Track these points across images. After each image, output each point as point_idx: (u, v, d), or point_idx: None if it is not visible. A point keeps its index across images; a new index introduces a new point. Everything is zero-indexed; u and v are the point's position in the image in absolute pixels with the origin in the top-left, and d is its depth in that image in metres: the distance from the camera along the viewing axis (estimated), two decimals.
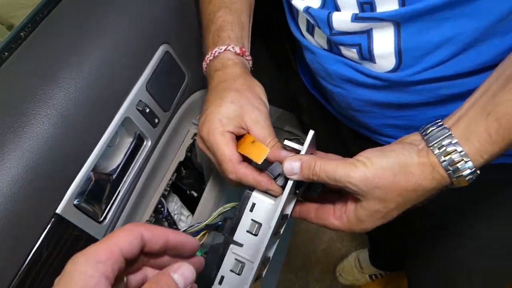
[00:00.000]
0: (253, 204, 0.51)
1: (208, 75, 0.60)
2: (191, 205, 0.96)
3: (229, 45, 0.58)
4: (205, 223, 0.59)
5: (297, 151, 0.51)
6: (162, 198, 0.78)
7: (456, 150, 0.41)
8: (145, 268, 0.39)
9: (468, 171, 0.41)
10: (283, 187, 0.50)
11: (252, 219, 0.51)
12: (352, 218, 0.46)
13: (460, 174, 0.41)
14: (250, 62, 0.61)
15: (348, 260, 1.72)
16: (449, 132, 0.42)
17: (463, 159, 0.41)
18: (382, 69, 0.51)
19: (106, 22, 0.65)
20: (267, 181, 0.50)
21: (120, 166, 0.66)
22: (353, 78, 0.54)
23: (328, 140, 0.78)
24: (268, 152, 0.49)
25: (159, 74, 0.70)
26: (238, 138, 0.54)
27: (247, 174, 0.50)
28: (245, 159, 0.52)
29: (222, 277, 0.50)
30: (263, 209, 0.51)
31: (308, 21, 0.54)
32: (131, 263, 0.36)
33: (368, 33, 0.48)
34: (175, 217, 0.93)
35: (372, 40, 0.49)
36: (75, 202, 0.59)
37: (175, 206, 0.93)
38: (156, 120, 0.71)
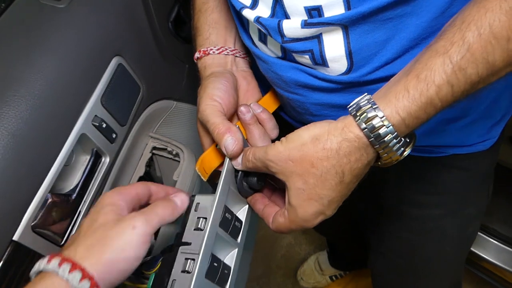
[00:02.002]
0: (197, 204, 0.53)
1: None
2: None
3: (195, 52, 0.61)
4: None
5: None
6: None
7: (371, 107, 0.41)
8: None
9: (386, 129, 0.41)
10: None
11: (197, 217, 0.52)
12: (288, 208, 0.47)
13: (377, 132, 0.41)
14: (225, 51, 0.62)
15: (308, 263, 1.74)
16: (369, 96, 0.43)
17: (377, 116, 0.40)
18: (335, 72, 0.52)
19: (54, 35, 0.62)
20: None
21: (79, 186, 0.63)
22: (308, 83, 0.55)
23: None
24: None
25: (113, 87, 0.68)
26: None
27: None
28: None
29: (174, 281, 0.49)
30: (207, 205, 0.52)
31: (259, 30, 0.55)
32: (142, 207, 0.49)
33: (318, 38, 0.50)
34: None
35: (323, 44, 0.50)
36: (33, 227, 0.55)
37: None
38: (114, 135, 0.68)
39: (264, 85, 0.65)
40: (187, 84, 0.90)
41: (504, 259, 1.21)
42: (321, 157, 0.43)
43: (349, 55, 0.50)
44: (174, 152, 0.80)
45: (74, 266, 0.38)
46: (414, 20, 0.46)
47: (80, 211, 0.63)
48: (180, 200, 0.50)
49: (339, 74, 0.52)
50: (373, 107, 0.41)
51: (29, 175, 0.55)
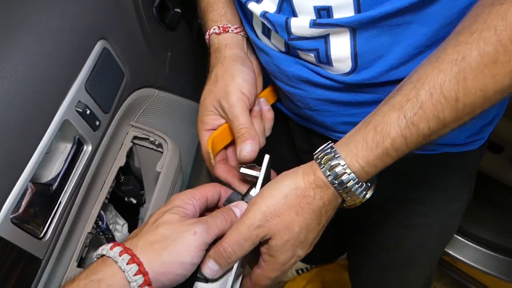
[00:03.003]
0: None
1: None
2: (124, 212, 0.90)
3: (210, 28, 0.59)
4: None
5: (255, 177, 0.52)
6: (101, 210, 0.72)
7: (334, 156, 0.44)
8: None
9: (347, 176, 0.44)
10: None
11: None
12: (268, 259, 0.47)
13: (341, 179, 0.44)
14: (242, 32, 0.60)
15: None
16: (332, 144, 0.46)
17: (339, 164, 0.44)
18: (339, 71, 0.52)
19: (37, 14, 0.58)
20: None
21: (61, 175, 0.59)
22: (311, 79, 0.54)
23: (276, 139, 0.78)
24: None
25: (98, 72, 0.64)
26: None
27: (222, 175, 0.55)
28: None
29: None
30: None
31: (264, 24, 0.54)
32: (208, 210, 0.50)
33: (325, 38, 0.49)
34: (110, 226, 0.86)
35: (329, 45, 0.50)
36: (12, 218, 0.52)
37: (109, 215, 0.87)
38: (97, 123, 0.65)
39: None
40: (169, 72, 0.87)
41: (475, 259, 1.26)
42: (303, 205, 0.45)
43: (355, 57, 0.50)
44: (156, 143, 0.77)
45: (133, 259, 0.39)
46: (421, 28, 0.46)
47: (60, 202, 0.60)
48: (240, 211, 0.48)
49: (342, 73, 0.52)
50: (335, 156, 0.44)
51: (9, 162, 0.52)
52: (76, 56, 0.61)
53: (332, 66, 0.51)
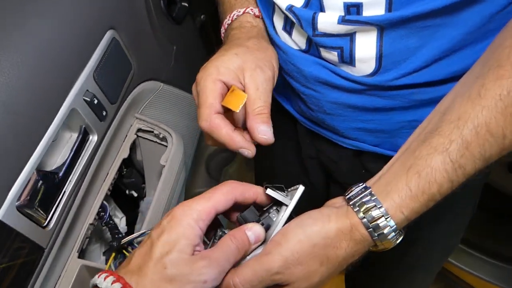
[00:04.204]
0: None
1: (225, 37, 0.57)
2: (123, 206, 0.89)
3: (247, 7, 0.57)
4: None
5: (280, 203, 0.46)
6: (104, 201, 0.71)
7: (375, 205, 0.40)
8: None
9: (389, 228, 0.40)
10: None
11: None
12: None
13: (381, 232, 0.40)
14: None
15: None
16: (370, 190, 0.42)
17: (383, 216, 0.40)
18: (360, 72, 0.51)
19: (48, 4, 0.57)
20: (241, 138, 0.46)
21: (66, 164, 0.59)
22: (330, 81, 0.53)
23: (281, 143, 0.77)
24: (246, 99, 0.46)
25: (106, 62, 0.64)
26: None
27: (221, 126, 0.46)
28: (230, 118, 0.50)
29: None
30: None
31: (286, 18, 0.53)
32: None
33: (351, 36, 0.48)
34: None
35: (354, 43, 0.49)
36: (17, 205, 0.51)
37: (109, 207, 0.86)
38: (104, 113, 0.64)
39: None
40: (174, 66, 0.87)
41: (470, 265, 1.27)
42: (330, 255, 0.42)
43: (379, 57, 0.49)
44: (161, 136, 0.76)
45: None
46: (450, 31, 0.45)
47: (65, 191, 0.59)
48: (255, 236, 0.43)
49: (364, 75, 0.51)
50: (378, 206, 0.41)
51: (15, 149, 0.51)
52: (85, 44, 0.61)
53: (355, 66, 0.51)
